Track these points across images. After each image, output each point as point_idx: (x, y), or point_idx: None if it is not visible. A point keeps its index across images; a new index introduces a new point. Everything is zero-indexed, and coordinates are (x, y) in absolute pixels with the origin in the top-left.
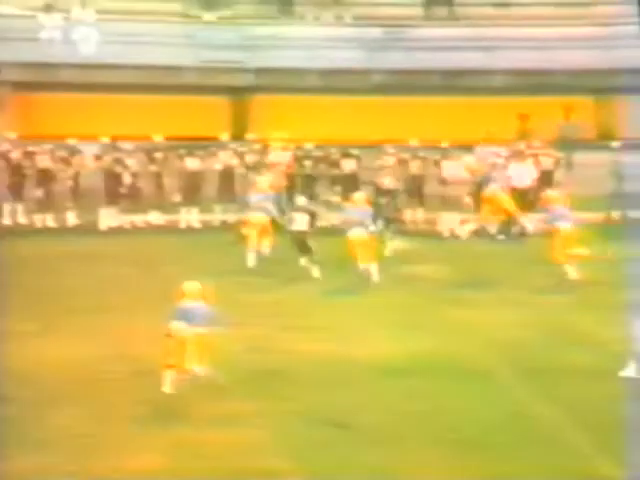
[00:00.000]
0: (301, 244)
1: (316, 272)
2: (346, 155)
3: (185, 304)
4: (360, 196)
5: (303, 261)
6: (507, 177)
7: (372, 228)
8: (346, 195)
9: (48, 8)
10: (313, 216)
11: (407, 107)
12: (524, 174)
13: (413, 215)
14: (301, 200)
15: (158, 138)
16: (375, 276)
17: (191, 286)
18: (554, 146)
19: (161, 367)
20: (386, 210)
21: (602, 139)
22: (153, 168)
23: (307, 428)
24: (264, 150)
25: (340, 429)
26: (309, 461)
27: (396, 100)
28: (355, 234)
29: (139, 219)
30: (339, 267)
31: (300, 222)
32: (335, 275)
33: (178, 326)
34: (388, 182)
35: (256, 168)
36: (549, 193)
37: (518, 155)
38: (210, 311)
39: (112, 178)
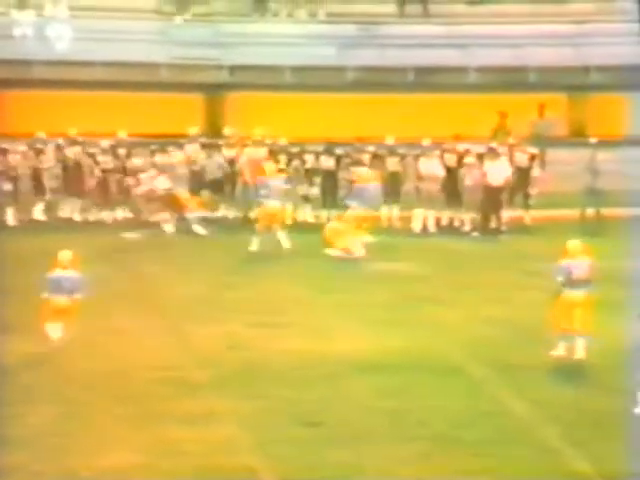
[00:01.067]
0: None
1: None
2: (326, 152)
3: (55, 274)
4: (271, 166)
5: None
6: (482, 174)
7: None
8: (324, 190)
9: (21, 5)
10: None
11: (381, 104)
12: (498, 172)
13: (389, 212)
14: None
15: (122, 134)
16: (285, 242)
17: (63, 255)
18: (527, 143)
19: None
20: None
21: (575, 136)
22: (123, 164)
23: (280, 426)
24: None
25: (313, 427)
26: (283, 459)
27: (370, 97)
28: (270, 205)
29: (109, 215)
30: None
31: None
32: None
33: (49, 296)
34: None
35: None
36: (359, 171)
37: (491, 153)
38: (78, 279)
39: (82, 174)
